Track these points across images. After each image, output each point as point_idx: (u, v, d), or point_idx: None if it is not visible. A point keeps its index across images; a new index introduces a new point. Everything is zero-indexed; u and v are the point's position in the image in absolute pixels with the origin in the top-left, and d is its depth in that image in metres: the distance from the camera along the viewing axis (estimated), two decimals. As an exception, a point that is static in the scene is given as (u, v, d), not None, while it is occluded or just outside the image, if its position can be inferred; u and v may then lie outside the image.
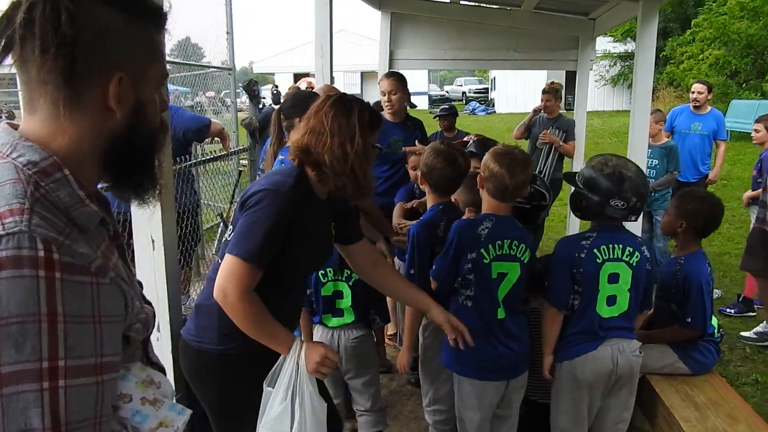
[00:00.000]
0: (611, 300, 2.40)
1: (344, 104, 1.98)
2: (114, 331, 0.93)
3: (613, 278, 2.39)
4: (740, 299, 5.23)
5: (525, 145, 6.21)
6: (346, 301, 2.79)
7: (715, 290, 5.52)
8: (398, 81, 4.09)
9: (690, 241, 2.93)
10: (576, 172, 2.70)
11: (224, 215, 5.98)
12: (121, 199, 1.10)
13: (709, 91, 6.56)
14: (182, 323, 2.30)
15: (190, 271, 5.90)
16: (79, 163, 0.96)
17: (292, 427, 1.82)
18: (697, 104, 6.40)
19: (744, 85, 17.93)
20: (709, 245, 7.11)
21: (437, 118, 6.45)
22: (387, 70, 6.44)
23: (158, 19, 1.02)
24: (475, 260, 2.38)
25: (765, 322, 4.48)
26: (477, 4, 6.20)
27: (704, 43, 19.23)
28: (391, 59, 6.49)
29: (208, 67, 8.62)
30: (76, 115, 0.94)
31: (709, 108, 6.53)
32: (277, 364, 1.87)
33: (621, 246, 2.40)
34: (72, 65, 0.90)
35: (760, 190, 5.17)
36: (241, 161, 7.22)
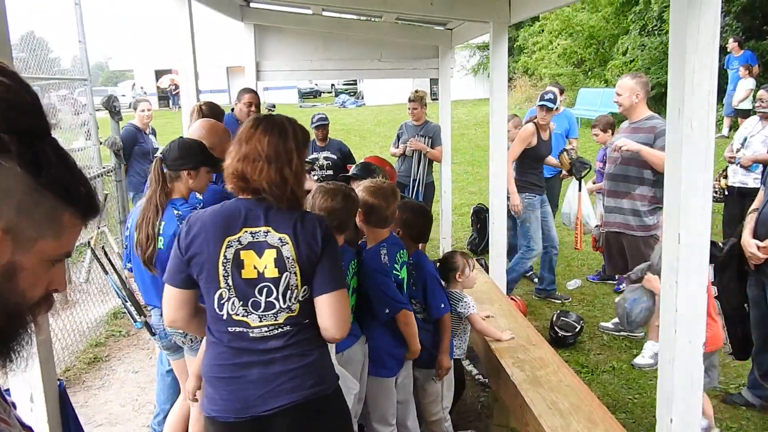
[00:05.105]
0: None
1: (279, 128, 2.03)
2: None
3: None
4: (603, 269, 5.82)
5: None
6: None
7: (574, 280, 6.03)
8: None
9: (410, 245, 3.15)
10: None
11: (92, 243, 5.67)
12: None
13: (561, 93, 7.13)
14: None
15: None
16: None
17: None
18: None
19: (589, 74, 19.41)
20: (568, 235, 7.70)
21: (312, 127, 6.50)
22: (255, 82, 6.42)
23: (81, 210, 0.96)
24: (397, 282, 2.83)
25: None
26: (340, 15, 6.27)
27: (552, 34, 20.58)
28: (258, 70, 6.45)
29: (60, 78, 8.03)
30: None
31: (561, 108, 7.09)
32: None
33: None
34: None
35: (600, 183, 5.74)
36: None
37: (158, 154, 2.93)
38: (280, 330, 1.99)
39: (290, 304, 1.99)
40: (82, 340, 5.15)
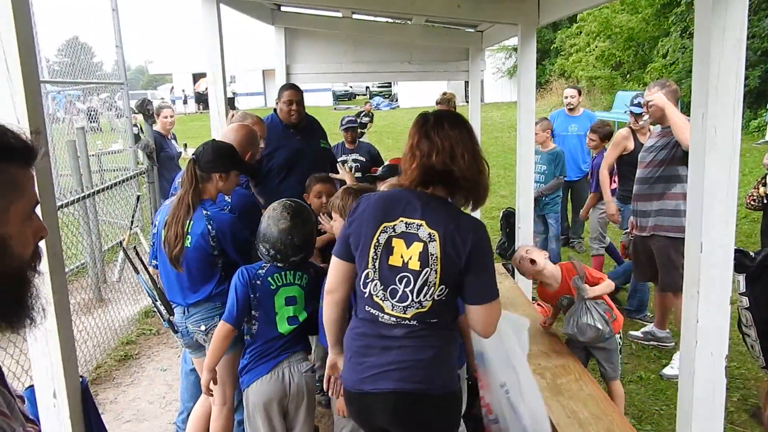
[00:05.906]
0: (291, 321, 2.76)
1: (462, 120, 2.14)
2: None
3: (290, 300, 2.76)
4: None
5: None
6: None
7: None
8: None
9: None
10: None
11: (124, 243, 5.79)
12: None
13: (579, 94, 7.08)
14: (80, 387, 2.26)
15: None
16: None
17: None
18: (571, 107, 6.87)
19: (627, 76, 19.10)
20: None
21: (342, 129, 6.53)
22: (285, 83, 6.47)
23: (23, 158, 1.02)
24: None
25: (653, 323, 4.83)
26: (369, 18, 6.28)
27: (590, 36, 20.29)
28: (288, 73, 6.51)
29: (98, 83, 8.26)
30: None
31: (581, 110, 7.02)
32: None
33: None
34: None
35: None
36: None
37: (191, 155, 3.00)
38: (406, 322, 2.05)
39: (422, 300, 2.03)
40: (113, 338, 5.26)
